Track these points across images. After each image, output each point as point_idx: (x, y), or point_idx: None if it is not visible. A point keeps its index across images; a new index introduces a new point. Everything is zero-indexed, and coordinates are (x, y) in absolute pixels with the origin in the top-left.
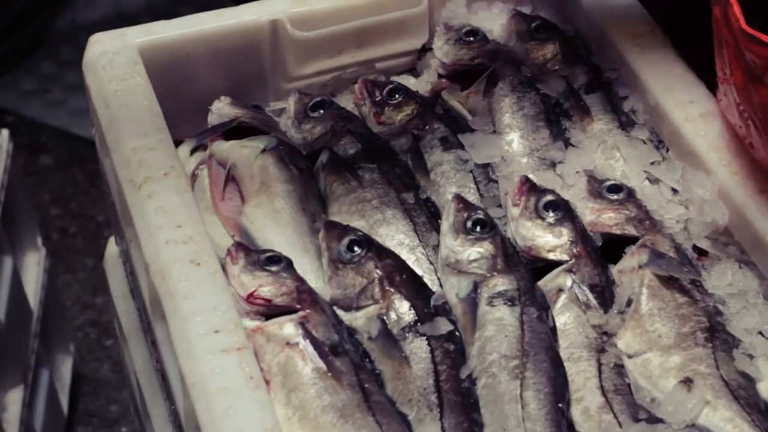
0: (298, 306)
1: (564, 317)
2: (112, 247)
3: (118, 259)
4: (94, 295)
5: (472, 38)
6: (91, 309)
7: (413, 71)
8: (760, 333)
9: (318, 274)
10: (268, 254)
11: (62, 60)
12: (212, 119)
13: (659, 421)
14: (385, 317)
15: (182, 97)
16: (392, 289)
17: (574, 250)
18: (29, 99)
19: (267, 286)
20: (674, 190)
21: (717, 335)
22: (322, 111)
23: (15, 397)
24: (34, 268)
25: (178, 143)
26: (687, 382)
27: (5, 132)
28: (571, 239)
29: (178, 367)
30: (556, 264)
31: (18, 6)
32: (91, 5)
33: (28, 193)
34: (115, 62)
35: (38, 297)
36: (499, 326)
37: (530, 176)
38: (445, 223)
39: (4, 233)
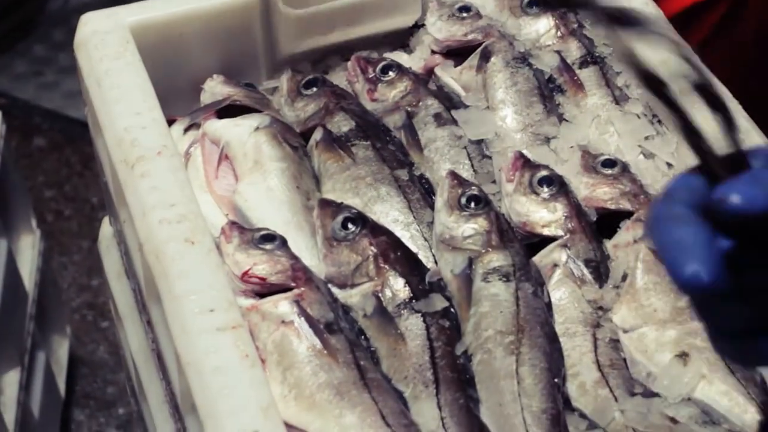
0: (293, 284)
1: (559, 292)
2: (106, 228)
3: (112, 239)
4: (89, 277)
5: (465, 14)
6: (87, 291)
7: (406, 48)
8: None
9: (312, 251)
10: (263, 232)
11: (55, 42)
12: (205, 98)
13: (655, 395)
14: (380, 294)
15: (175, 76)
16: (387, 266)
17: (569, 225)
18: (22, 81)
19: (261, 265)
20: (669, 165)
21: None
22: (315, 89)
23: (12, 379)
24: (28, 251)
25: (171, 122)
26: (683, 356)
27: None
28: (565, 214)
29: (173, 347)
30: (551, 239)
31: None
32: None
33: (21, 175)
34: (107, 41)
35: (33, 279)
36: (494, 302)
37: (524, 152)
38: (440, 200)
39: None
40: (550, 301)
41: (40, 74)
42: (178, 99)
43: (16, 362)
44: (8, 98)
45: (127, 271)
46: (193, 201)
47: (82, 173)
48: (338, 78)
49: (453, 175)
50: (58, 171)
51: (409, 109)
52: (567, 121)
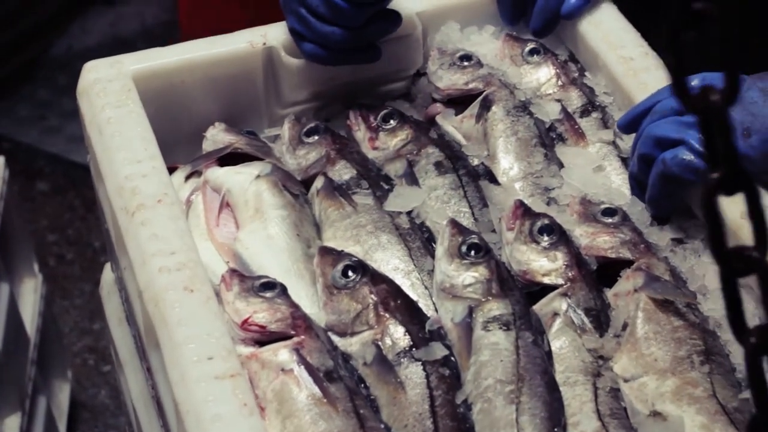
0: (293, 332)
1: (559, 341)
2: (108, 274)
3: (114, 285)
4: (91, 321)
5: (466, 63)
6: (89, 335)
7: (407, 96)
8: None
9: (313, 299)
10: (263, 280)
11: (58, 87)
12: (207, 145)
13: None
14: (380, 342)
15: (177, 124)
16: (387, 315)
17: (569, 274)
18: (25, 125)
19: (261, 313)
20: None
21: (713, 358)
22: (316, 136)
23: (12, 424)
24: (30, 295)
25: (172, 170)
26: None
27: (1, 158)
28: (566, 263)
29: (171, 395)
30: (552, 288)
31: (14, 33)
32: (87, 32)
33: (24, 219)
34: (109, 89)
35: (35, 324)
36: (494, 351)
37: (525, 201)
38: (440, 248)
39: (0, 259)
40: (550, 350)
41: (43, 118)
42: (180, 146)
43: (16, 407)
44: (11, 142)
45: (128, 318)
46: (192, 249)
47: (85, 217)
48: (340, 126)
49: (453, 223)
50: (61, 215)
51: (410, 157)
52: (568, 168)
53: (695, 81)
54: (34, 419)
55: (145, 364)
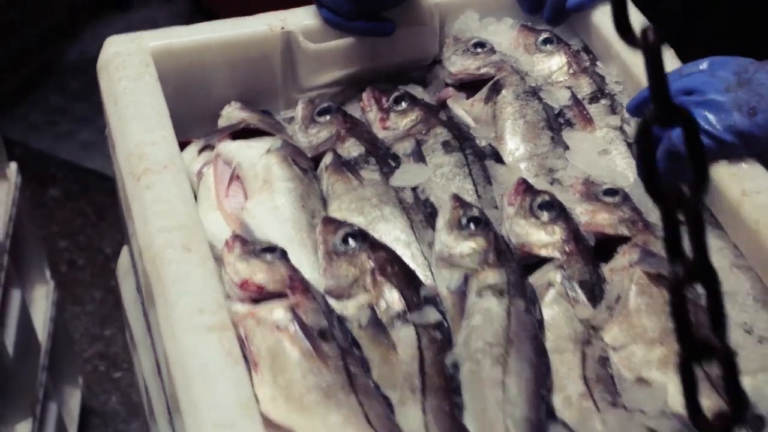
0: (290, 292)
1: (552, 311)
2: (124, 257)
3: (129, 267)
4: (102, 327)
5: (479, 49)
6: (100, 341)
7: (422, 83)
8: (747, 332)
9: (314, 267)
10: (264, 245)
11: (71, 93)
12: (222, 123)
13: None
14: (375, 306)
15: (194, 102)
16: (383, 279)
17: (567, 248)
18: (38, 131)
19: (260, 273)
20: None
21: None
22: (328, 116)
23: (23, 430)
24: (42, 301)
25: (186, 144)
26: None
27: (13, 164)
28: (563, 237)
29: (163, 349)
30: (549, 261)
31: (26, 39)
32: (99, 38)
33: (36, 225)
34: (128, 63)
35: (46, 330)
36: (486, 315)
37: (529, 180)
38: (441, 220)
39: (12, 266)
40: (542, 318)
41: (56, 124)
42: (197, 124)
43: (27, 413)
44: (24, 148)
45: (138, 288)
46: (193, 212)
47: (96, 223)
48: (354, 110)
49: (456, 197)
50: (73, 221)
51: (418, 137)
52: (574, 151)
53: (703, 65)
54: (45, 425)
55: (149, 328)
